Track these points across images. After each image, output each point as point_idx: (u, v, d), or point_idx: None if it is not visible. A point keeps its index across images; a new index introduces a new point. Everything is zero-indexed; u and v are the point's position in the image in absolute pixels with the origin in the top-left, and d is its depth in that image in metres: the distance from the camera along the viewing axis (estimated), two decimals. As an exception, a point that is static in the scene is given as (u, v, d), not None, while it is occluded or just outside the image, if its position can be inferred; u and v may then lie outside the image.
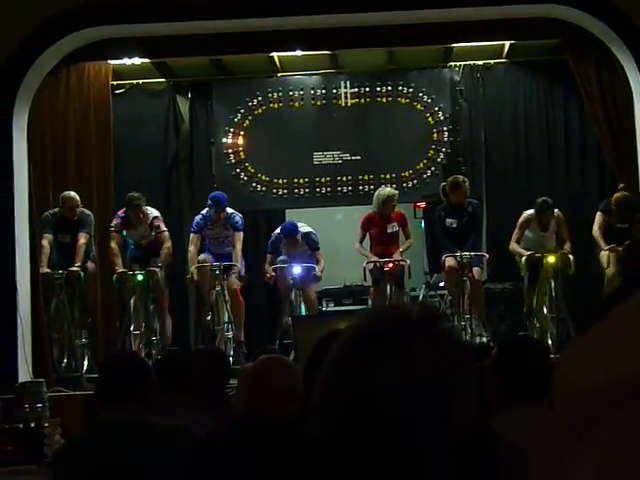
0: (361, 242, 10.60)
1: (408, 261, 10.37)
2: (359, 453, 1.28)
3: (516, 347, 3.52)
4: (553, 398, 0.95)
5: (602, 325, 0.97)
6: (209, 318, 10.22)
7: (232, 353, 10.09)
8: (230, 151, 12.17)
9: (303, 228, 10.65)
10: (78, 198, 10.05)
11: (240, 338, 10.45)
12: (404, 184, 11.92)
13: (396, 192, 10.66)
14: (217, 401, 4.00)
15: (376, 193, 10.67)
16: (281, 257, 10.69)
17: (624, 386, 0.88)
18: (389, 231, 10.56)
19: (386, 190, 10.67)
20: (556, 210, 10.33)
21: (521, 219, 10.34)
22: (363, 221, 10.64)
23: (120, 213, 10.33)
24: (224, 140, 12.19)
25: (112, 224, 10.31)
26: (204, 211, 10.55)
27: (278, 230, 10.73)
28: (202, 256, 10.50)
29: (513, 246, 10.29)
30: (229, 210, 10.53)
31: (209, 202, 10.47)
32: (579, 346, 0.98)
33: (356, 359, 1.34)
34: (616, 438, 0.88)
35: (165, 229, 10.36)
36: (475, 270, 10.11)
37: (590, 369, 0.92)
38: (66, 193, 10.04)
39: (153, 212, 10.39)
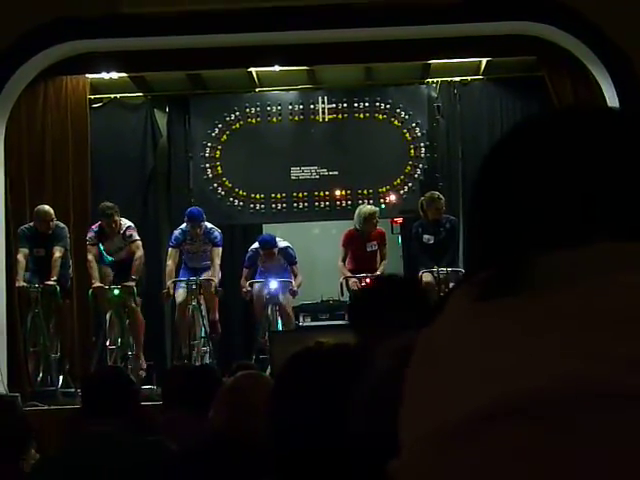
0: (344, 260, 10.58)
1: (385, 276, 10.38)
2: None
3: None
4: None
5: (411, 376, 0.99)
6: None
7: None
8: (207, 166, 12.17)
9: (280, 243, 10.66)
10: (52, 212, 10.02)
11: (215, 318, 10.48)
12: (381, 200, 11.94)
13: (377, 209, 10.66)
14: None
15: (357, 210, 10.64)
16: (257, 277, 10.70)
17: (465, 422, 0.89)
18: (369, 250, 10.54)
19: (367, 208, 10.65)
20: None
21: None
22: (344, 239, 10.61)
23: (94, 227, 10.32)
24: (201, 154, 12.19)
25: (87, 237, 10.29)
26: (183, 226, 10.55)
27: (255, 245, 10.73)
28: (180, 293, 10.42)
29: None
30: (208, 225, 10.53)
31: (185, 218, 10.48)
32: (407, 401, 0.99)
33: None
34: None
35: (138, 238, 10.35)
36: (452, 286, 10.14)
37: (421, 418, 0.94)
38: (39, 207, 10.00)
39: (126, 222, 10.39)
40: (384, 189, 12.01)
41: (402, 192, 12.02)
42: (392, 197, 11.99)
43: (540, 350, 0.88)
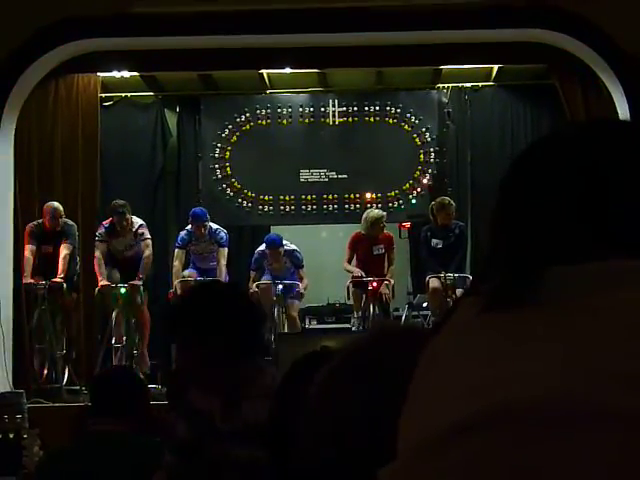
0: (349, 262, 10.58)
1: (392, 280, 10.39)
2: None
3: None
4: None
5: (420, 376, 0.99)
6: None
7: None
8: (217, 166, 12.18)
9: (288, 246, 10.66)
10: (62, 209, 10.03)
11: None
12: (389, 204, 11.94)
13: (384, 214, 10.64)
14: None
15: (364, 214, 10.64)
16: (265, 276, 10.71)
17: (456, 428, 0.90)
18: (375, 253, 10.53)
19: (374, 212, 10.65)
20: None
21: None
22: (351, 241, 10.62)
23: (105, 223, 10.33)
24: (211, 155, 12.20)
25: (97, 234, 10.30)
26: (189, 227, 10.56)
27: (261, 247, 10.72)
28: (187, 272, 10.50)
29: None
30: (214, 226, 10.54)
31: (190, 218, 10.50)
32: (410, 402, 0.99)
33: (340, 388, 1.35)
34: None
35: (149, 237, 10.36)
36: (459, 291, 10.11)
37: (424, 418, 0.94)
38: (49, 203, 10.02)
39: (138, 221, 10.40)
40: (392, 193, 12.02)
41: (410, 196, 12.03)
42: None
43: (540, 363, 0.89)
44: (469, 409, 0.89)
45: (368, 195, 12.03)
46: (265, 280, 10.67)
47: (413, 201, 12.00)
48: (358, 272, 10.37)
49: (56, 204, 10.02)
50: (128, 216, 10.24)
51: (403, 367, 1.33)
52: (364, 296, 10.37)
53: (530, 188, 1.03)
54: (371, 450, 1.26)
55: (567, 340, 0.89)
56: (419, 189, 12.02)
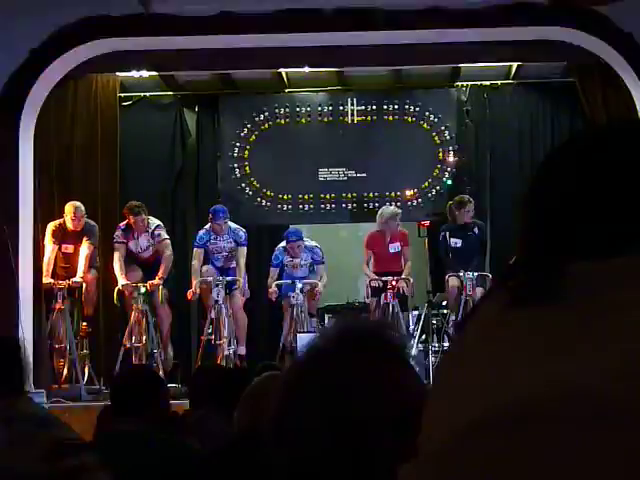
0: (368, 263, 10.60)
1: (411, 279, 10.38)
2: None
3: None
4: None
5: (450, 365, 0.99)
6: (210, 331, 10.23)
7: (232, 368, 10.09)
8: (236, 165, 12.19)
9: (309, 242, 10.72)
10: (83, 208, 10.07)
11: (242, 352, 10.47)
12: (408, 202, 11.93)
13: (399, 211, 10.66)
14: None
15: (379, 212, 10.67)
16: (284, 277, 10.74)
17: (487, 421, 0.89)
18: (391, 251, 10.55)
19: (389, 209, 10.68)
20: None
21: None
22: (366, 241, 10.64)
23: (121, 225, 10.37)
24: (230, 154, 12.21)
25: (114, 235, 10.34)
26: (207, 226, 10.59)
27: (282, 244, 10.77)
28: (205, 267, 10.51)
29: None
30: (233, 225, 10.57)
31: (209, 215, 10.54)
32: (439, 390, 0.99)
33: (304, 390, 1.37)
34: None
35: (167, 237, 10.40)
36: (478, 290, 10.11)
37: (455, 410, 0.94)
38: (71, 203, 10.06)
39: (155, 221, 10.43)
40: (412, 192, 12.01)
41: (430, 195, 12.02)
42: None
43: (560, 361, 0.88)
44: (486, 407, 0.89)
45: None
46: (284, 280, 10.71)
47: (432, 199, 12.00)
48: (375, 283, 10.36)
49: (78, 203, 10.07)
50: (144, 217, 10.27)
51: (364, 370, 1.34)
52: (383, 295, 10.37)
53: (554, 189, 1.03)
54: (330, 454, 1.27)
55: (586, 337, 0.90)
56: (438, 187, 12.01)
